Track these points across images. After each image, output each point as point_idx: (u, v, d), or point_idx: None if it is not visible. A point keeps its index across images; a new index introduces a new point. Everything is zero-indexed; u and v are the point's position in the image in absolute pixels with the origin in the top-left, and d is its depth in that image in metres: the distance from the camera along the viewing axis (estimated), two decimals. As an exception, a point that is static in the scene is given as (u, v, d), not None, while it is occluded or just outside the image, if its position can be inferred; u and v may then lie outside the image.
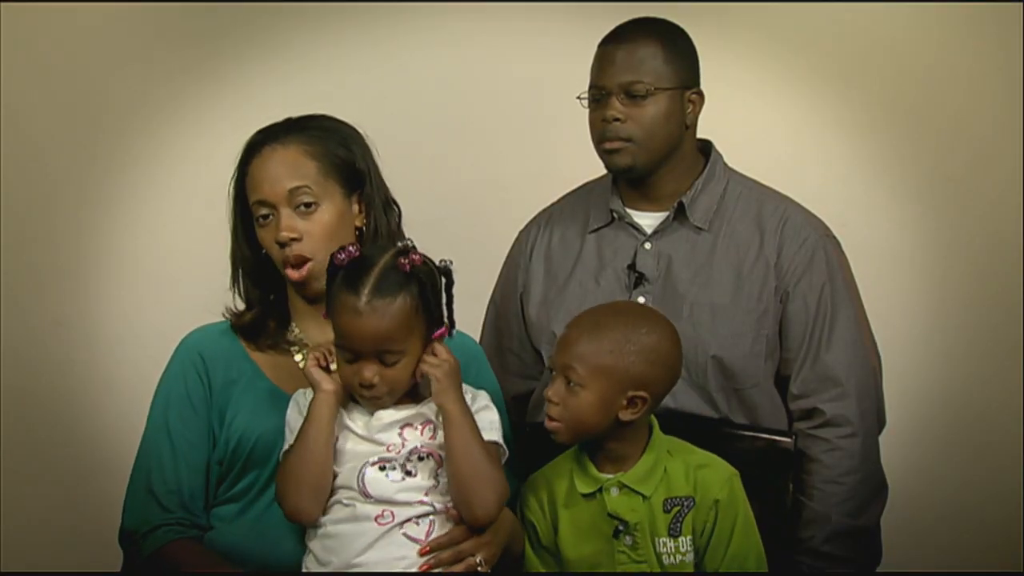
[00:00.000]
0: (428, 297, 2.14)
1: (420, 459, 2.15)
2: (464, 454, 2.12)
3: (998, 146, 3.57)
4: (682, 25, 2.70)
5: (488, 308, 2.87)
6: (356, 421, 2.17)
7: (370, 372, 2.11)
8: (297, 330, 2.41)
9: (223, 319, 2.43)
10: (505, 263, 2.89)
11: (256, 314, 2.40)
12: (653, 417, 2.29)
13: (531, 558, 2.29)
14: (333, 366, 2.18)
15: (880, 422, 2.71)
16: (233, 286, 2.42)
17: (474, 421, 2.16)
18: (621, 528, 2.22)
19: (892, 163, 3.64)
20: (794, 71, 3.63)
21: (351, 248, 2.16)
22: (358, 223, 2.39)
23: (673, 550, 2.23)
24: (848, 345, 2.64)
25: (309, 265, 2.31)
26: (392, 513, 2.13)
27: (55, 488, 3.65)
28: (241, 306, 2.43)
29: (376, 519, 2.12)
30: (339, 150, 2.37)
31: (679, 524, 2.23)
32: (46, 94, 3.65)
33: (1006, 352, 3.58)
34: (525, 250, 2.83)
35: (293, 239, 2.31)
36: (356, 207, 2.39)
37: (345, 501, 2.14)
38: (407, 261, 2.13)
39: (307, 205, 2.32)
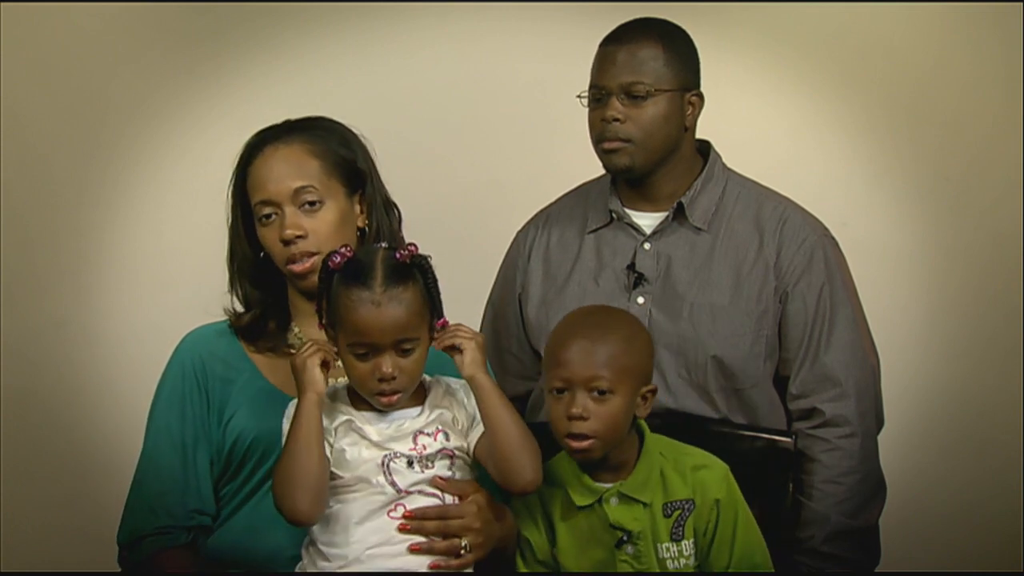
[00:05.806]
0: (429, 285, 2.16)
1: (440, 459, 2.15)
2: (508, 421, 2.13)
3: (997, 146, 3.57)
4: (682, 25, 2.70)
5: (486, 309, 2.87)
6: (369, 429, 2.14)
7: (389, 365, 2.10)
8: (297, 330, 2.41)
9: (222, 319, 2.42)
10: (503, 264, 2.88)
11: (255, 315, 2.40)
12: (642, 421, 2.25)
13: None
14: (332, 368, 2.16)
15: (879, 422, 2.71)
16: (232, 289, 2.42)
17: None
18: (625, 539, 2.18)
19: (892, 163, 3.63)
20: (794, 71, 3.63)
21: (344, 250, 2.16)
22: (360, 223, 2.39)
23: (676, 554, 2.20)
24: (847, 345, 2.64)
25: (315, 258, 2.31)
26: (403, 505, 2.12)
27: (55, 488, 3.65)
28: (240, 309, 2.43)
29: (388, 512, 2.12)
30: (341, 149, 2.38)
31: (681, 528, 2.20)
32: (46, 94, 3.65)
33: (1006, 352, 3.58)
34: (523, 251, 2.83)
35: (299, 236, 2.30)
36: (358, 207, 2.40)
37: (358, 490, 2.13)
38: (405, 253, 2.15)
39: (311, 204, 2.32)
